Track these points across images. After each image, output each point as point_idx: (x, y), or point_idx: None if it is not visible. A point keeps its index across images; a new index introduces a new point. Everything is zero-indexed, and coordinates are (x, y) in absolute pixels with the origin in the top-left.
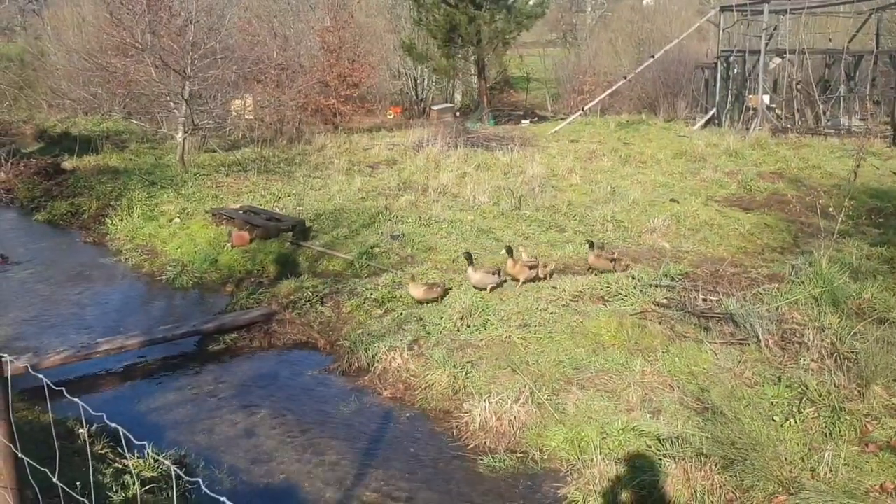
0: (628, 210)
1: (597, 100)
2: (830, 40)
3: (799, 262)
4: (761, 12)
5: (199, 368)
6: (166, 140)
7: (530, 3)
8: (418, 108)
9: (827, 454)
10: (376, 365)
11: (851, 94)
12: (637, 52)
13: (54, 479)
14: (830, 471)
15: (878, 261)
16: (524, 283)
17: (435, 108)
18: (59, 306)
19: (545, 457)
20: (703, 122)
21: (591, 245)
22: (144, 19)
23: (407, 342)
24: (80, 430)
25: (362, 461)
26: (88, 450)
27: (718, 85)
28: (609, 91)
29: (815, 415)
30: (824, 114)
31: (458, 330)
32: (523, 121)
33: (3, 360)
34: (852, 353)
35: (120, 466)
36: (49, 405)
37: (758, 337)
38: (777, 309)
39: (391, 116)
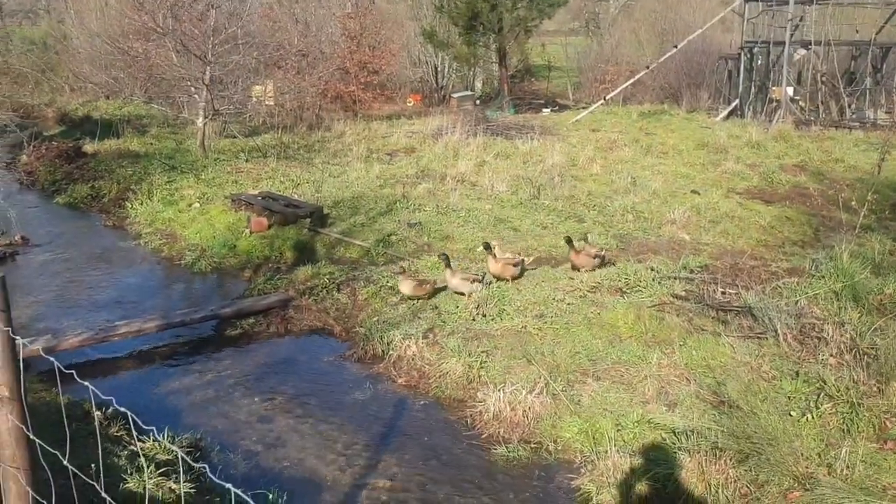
0: (648, 201)
1: (619, 89)
2: (857, 32)
3: (820, 256)
4: (787, 2)
5: (216, 353)
6: (187, 125)
7: None
8: (438, 96)
9: (844, 450)
10: (391, 352)
11: (877, 87)
12: (660, 41)
13: (65, 462)
14: (847, 467)
15: None
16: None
17: (455, 95)
18: (78, 289)
19: (559, 448)
20: (725, 113)
21: (570, 242)
22: (166, 3)
23: (422, 330)
24: (96, 413)
25: (376, 448)
26: (98, 433)
27: (742, 76)
28: (631, 81)
29: (833, 410)
30: (849, 106)
31: (474, 319)
32: (544, 109)
33: (17, 342)
34: (872, 348)
35: (135, 449)
36: (61, 388)
37: (776, 331)
38: (796, 303)
39: (411, 104)
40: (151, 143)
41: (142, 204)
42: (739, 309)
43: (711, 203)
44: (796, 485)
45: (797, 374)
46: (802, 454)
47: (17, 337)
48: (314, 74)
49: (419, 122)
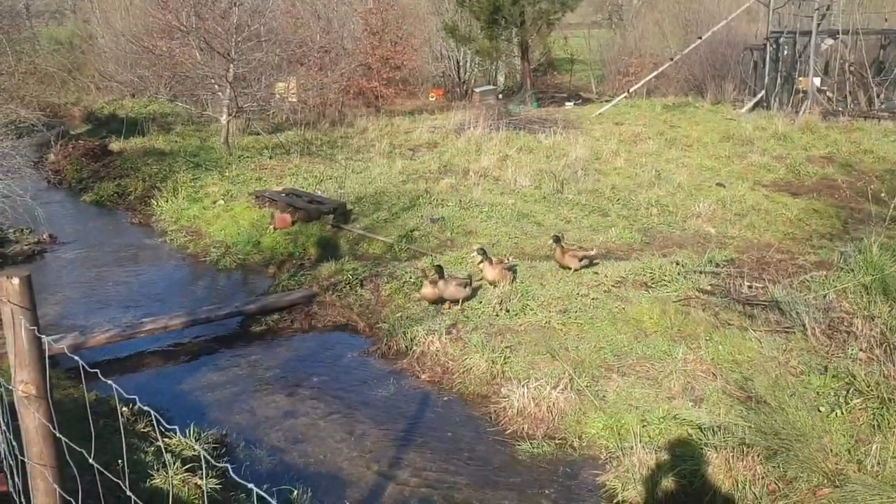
0: (673, 194)
1: (642, 82)
2: (886, 20)
3: (848, 249)
4: None
5: (241, 349)
6: (211, 122)
7: None
8: (460, 91)
9: (874, 447)
10: (415, 348)
11: None
12: (684, 33)
13: (91, 461)
14: (878, 464)
15: None
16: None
17: (477, 90)
18: (105, 286)
19: (584, 444)
20: (751, 104)
21: (558, 240)
22: (190, 2)
23: (445, 326)
24: (122, 409)
25: (400, 444)
26: (123, 430)
27: (767, 67)
28: (655, 73)
29: (863, 406)
30: (878, 96)
31: (497, 314)
32: (567, 103)
33: (43, 340)
34: None
35: (161, 445)
36: (88, 385)
37: (804, 325)
38: (825, 297)
39: (433, 99)
40: (176, 141)
41: (167, 201)
42: (766, 303)
43: (737, 196)
44: (825, 481)
45: (826, 369)
46: (831, 450)
47: (44, 336)
48: (336, 70)
49: (441, 117)
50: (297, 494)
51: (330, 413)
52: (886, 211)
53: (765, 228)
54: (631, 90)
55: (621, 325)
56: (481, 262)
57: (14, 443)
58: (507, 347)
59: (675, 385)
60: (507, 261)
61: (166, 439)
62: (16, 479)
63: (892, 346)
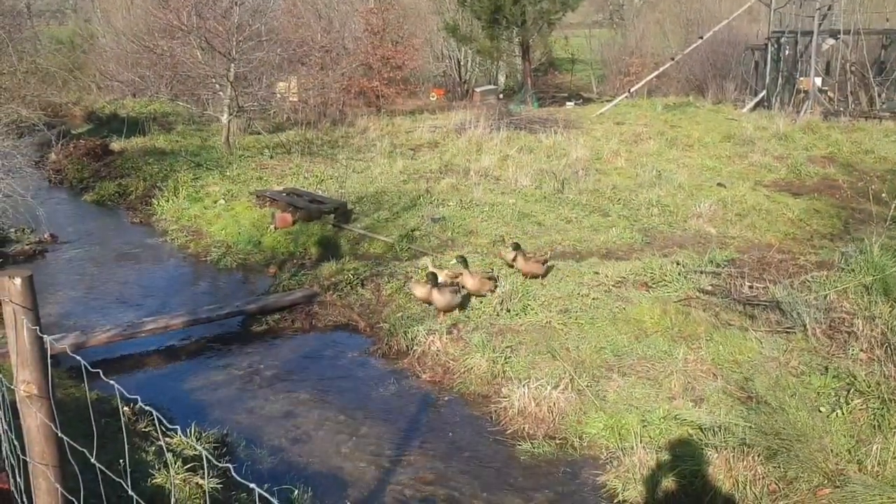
0: (674, 194)
1: (643, 81)
2: (888, 20)
3: (849, 250)
4: None
5: (241, 349)
6: (212, 122)
7: None
8: (461, 90)
9: (875, 447)
10: (415, 348)
11: None
12: (685, 32)
13: (93, 460)
14: (878, 464)
15: None
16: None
17: (478, 90)
18: (106, 285)
19: (584, 444)
20: (752, 104)
21: (518, 248)
22: (191, 1)
23: (446, 326)
24: (124, 408)
25: (401, 443)
26: (125, 430)
27: (769, 67)
28: (656, 73)
29: (864, 406)
30: (879, 96)
31: (498, 314)
32: (568, 103)
33: (44, 340)
34: None
35: (163, 445)
36: (90, 384)
37: (805, 325)
38: (825, 297)
39: (434, 98)
40: (177, 141)
41: (168, 201)
42: (767, 303)
43: (738, 196)
44: (826, 482)
45: (826, 369)
46: (832, 451)
47: (45, 336)
48: (337, 70)
49: (442, 117)
50: (298, 494)
51: (330, 413)
52: (887, 211)
53: (766, 228)
54: (632, 90)
55: (622, 325)
56: (458, 275)
57: (16, 442)
58: (507, 347)
59: (676, 385)
60: (490, 270)
61: (167, 439)
62: (17, 478)
63: (892, 347)
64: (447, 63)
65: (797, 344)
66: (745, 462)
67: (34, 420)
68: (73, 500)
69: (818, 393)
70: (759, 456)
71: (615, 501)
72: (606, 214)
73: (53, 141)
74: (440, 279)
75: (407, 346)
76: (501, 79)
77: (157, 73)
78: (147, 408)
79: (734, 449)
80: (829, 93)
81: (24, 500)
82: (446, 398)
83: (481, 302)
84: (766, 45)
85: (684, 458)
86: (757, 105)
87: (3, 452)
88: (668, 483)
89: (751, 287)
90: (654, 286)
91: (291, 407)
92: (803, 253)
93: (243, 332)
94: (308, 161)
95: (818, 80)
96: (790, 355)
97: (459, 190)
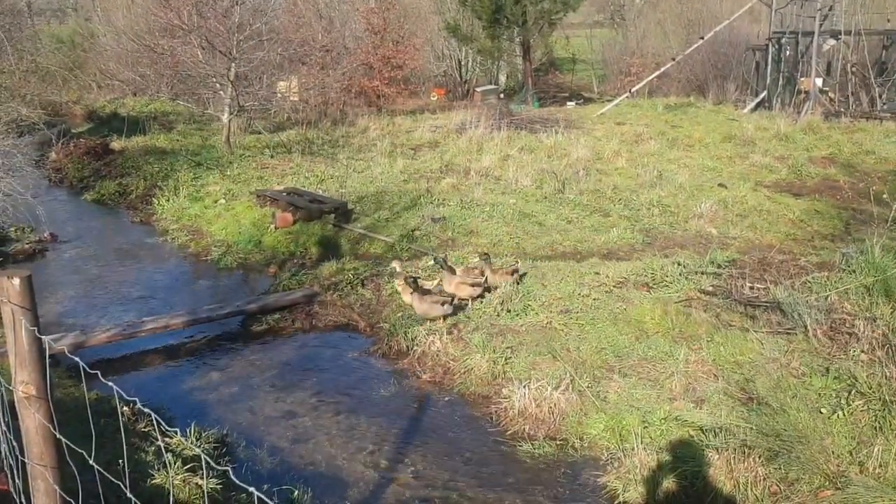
0: (675, 195)
1: (644, 82)
2: (888, 21)
3: (850, 250)
4: None
5: (242, 348)
6: (212, 121)
7: None
8: (462, 90)
9: (876, 448)
10: (415, 348)
11: None
12: (686, 33)
13: (91, 461)
14: (880, 466)
15: None
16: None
17: (479, 89)
18: (106, 285)
19: (585, 444)
20: (752, 105)
21: (488, 258)
22: (191, 0)
23: (446, 326)
24: (123, 409)
25: (401, 444)
26: (124, 431)
27: (770, 67)
28: (657, 73)
29: (865, 408)
30: (880, 97)
31: (498, 315)
32: (568, 103)
33: (43, 340)
34: None
35: (162, 445)
36: (89, 384)
37: (806, 327)
38: (826, 298)
39: (434, 98)
40: (178, 140)
41: (168, 200)
42: (768, 304)
43: (739, 196)
44: (827, 483)
45: (827, 370)
46: (833, 452)
47: (44, 337)
48: (338, 70)
49: (443, 117)
50: (298, 494)
51: (331, 413)
52: (888, 212)
53: (766, 229)
54: (633, 90)
55: (623, 326)
56: (438, 282)
57: (14, 443)
58: (508, 348)
59: (677, 386)
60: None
61: (167, 439)
62: (16, 479)
63: (893, 348)
64: (448, 63)
65: (798, 345)
66: (746, 463)
67: (33, 421)
68: (72, 501)
69: (819, 394)
70: (760, 457)
71: (616, 502)
72: (607, 215)
73: (53, 140)
74: (429, 284)
75: (407, 346)
76: (502, 79)
77: (158, 72)
78: (146, 410)
79: (735, 450)
80: (829, 93)
81: (23, 500)
82: (446, 398)
83: (481, 302)
84: (767, 45)
85: (685, 459)
86: (758, 105)
87: (2, 453)
88: (668, 484)
89: (752, 288)
90: (654, 287)
91: (291, 407)
92: (804, 254)
93: (243, 332)
94: (308, 161)
95: (819, 81)
96: (791, 356)
97: (460, 190)
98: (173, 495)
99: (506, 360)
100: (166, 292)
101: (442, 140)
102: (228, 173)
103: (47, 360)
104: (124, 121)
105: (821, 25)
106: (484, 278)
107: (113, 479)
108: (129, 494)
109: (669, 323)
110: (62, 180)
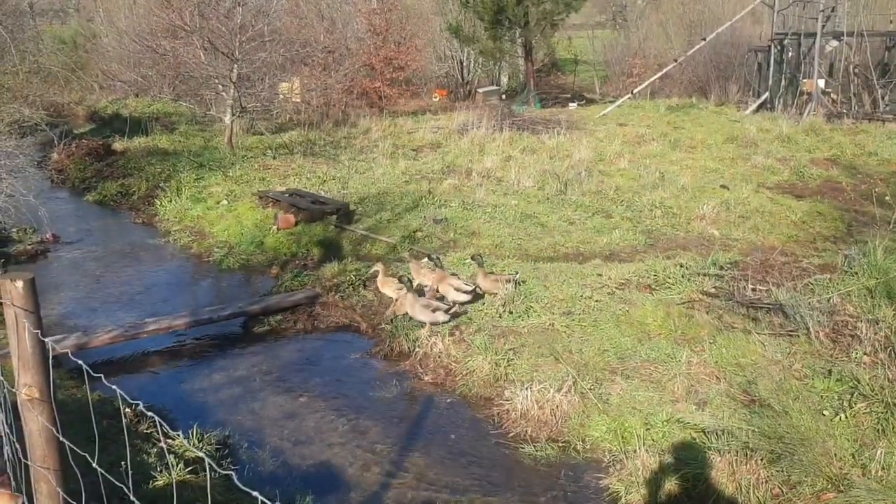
0: (677, 196)
1: (646, 83)
2: (891, 22)
3: (852, 252)
4: None
5: (244, 350)
6: (214, 122)
7: None
8: (464, 91)
9: (879, 451)
10: (417, 350)
11: None
12: (688, 34)
13: (94, 465)
14: (882, 468)
15: None
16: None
17: (481, 90)
18: (108, 286)
19: (587, 447)
20: (755, 106)
21: (481, 263)
22: (193, 1)
23: (448, 327)
24: (125, 411)
25: (403, 446)
26: (127, 435)
27: (772, 69)
28: (659, 74)
29: (867, 410)
30: (882, 98)
31: (500, 316)
32: (570, 104)
33: (46, 343)
34: None
35: (164, 447)
36: (91, 385)
37: (808, 329)
38: (829, 300)
39: (436, 99)
40: (180, 141)
41: (170, 201)
42: (770, 306)
43: (741, 198)
44: (830, 486)
45: (830, 372)
46: (836, 455)
47: (47, 339)
48: (340, 71)
49: (445, 118)
50: (300, 496)
51: (332, 415)
52: (891, 214)
53: (769, 231)
54: (635, 91)
55: (625, 328)
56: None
57: (17, 445)
58: (510, 349)
59: (679, 388)
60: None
61: (169, 441)
62: (19, 481)
63: None
64: (450, 64)
65: (800, 347)
66: (748, 466)
67: (35, 424)
68: (75, 503)
69: (822, 396)
70: (762, 460)
71: None
72: (609, 216)
73: (56, 141)
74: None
75: (409, 347)
76: (504, 79)
77: (160, 73)
78: (149, 413)
79: (737, 452)
80: (832, 95)
81: (26, 502)
82: (448, 400)
83: (483, 303)
84: (770, 46)
85: (687, 461)
86: (760, 107)
87: (5, 455)
88: (670, 486)
89: (754, 290)
90: (657, 288)
91: (293, 409)
92: (806, 255)
93: (245, 333)
94: (310, 162)
95: (821, 82)
96: (793, 358)
97: (462, 191)
98: (176, 497)
99: (508, 361)
100: (168, 293)
101: (444, 141)
102: (231, 174)
103: (51, 363)
104: (126, 122)
105: (823, 27)
106: (501, 278)
107: (116, 482)
108: (132, 497)
109: (672, 325)
110: (64, 181)
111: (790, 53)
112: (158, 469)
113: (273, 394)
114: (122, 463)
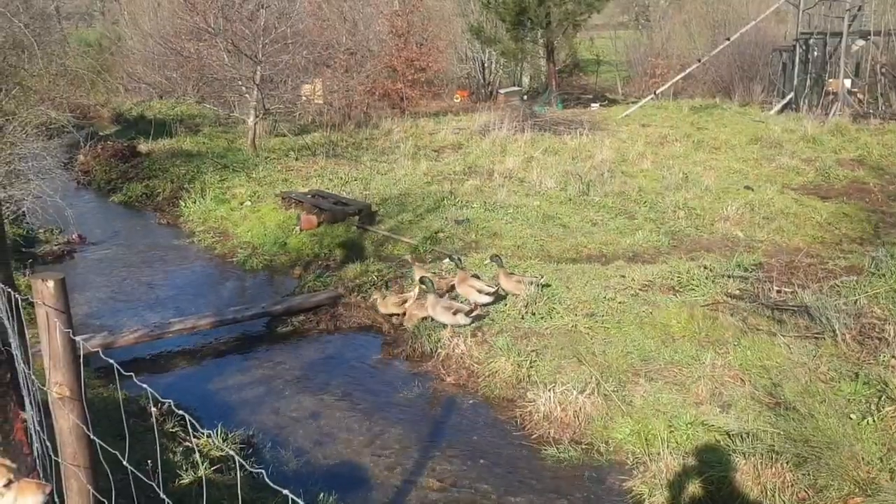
0: (701, 197)
1: (669, 83)
2: None
3: (880, 254)
4: None
5: (267, 350)
6: (238, 124)
7: None
8: (485, 92)
9: None
10: (440, 351)
11: None
12: (712, 34)
13: (124, 462)
14: None
15: None
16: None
17: (502, 91)
18: (133, 286)
19: (611, 449)
20: (779, 106)
21: (501, 263)
22: (217, 4)
23: (470, 329)
24: (152, 409)
25: (425, 446)
26: (156, 433)
27: (797, 68)
28: (682, 74)
29: (895, 414)
30: None
31: (523, 318)
32: (592, 104)
33: (77, 341)
34: None
35: (190, 445)
36: (119, 386)
37: (834, 331)
38: (855, 302)
39: (458, 100)
40: (204, 143)
41: (195, 202)
42: (796, 308)
43: (766, 199)
44: (857, 490)
45: (857, 375)
46: (863, 458)
47: (78, 338)
48: (362, 72)
49: (466, 119)
50: (323, 496)
51: (355, 415)
52: None
53: (794, 232)
54: (657, 91)
55: (648, 330)
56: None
57: (48, 443)
58: (533, 351)
59: (703, 390)
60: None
61: (195, 439)
62: (49, 478)
63: None
64: (471, 65)
65: (826, 350)
66: (773, 469)
67: (66, 422)
68: (104, 500)
69: (848, 400)
70: (787, 463)
71: None
72: (632, 217)
73: (81, 142)
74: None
75: (431, 348)
76: (526, 80)
77: (184, 75)
78: (179, 411)
79: (762, 455)
80: (858, 95)
81: (56, 499)
82: (470, 402)
83: (506, 305)
84: (794, 46)
85: (711, 464)
86: (784, 107)
87: (34, 452)
88: (694, 489)
89: (779, 291)
90: (681, 290)
91: (316, 409)
92: (832, 257)
93: (269, 334)
94: (333, 163)
95: (847, 82)
96: (819, 361)
97: (483, 192)
98: (204, 496)
99: (530, 363)
100: (193, 293)
101: (465, 142)
102: (254, 175)
103: (81, 361)
104: (151, 123)
105: (849, 26)
106: (524, 279)
107: (146, 480)
108: (161, 495)
109: (696, 327)
110: (90, 182)
111: (815, 53)
112: (184, 468)
113: (296, 394)
114: (149, 461)
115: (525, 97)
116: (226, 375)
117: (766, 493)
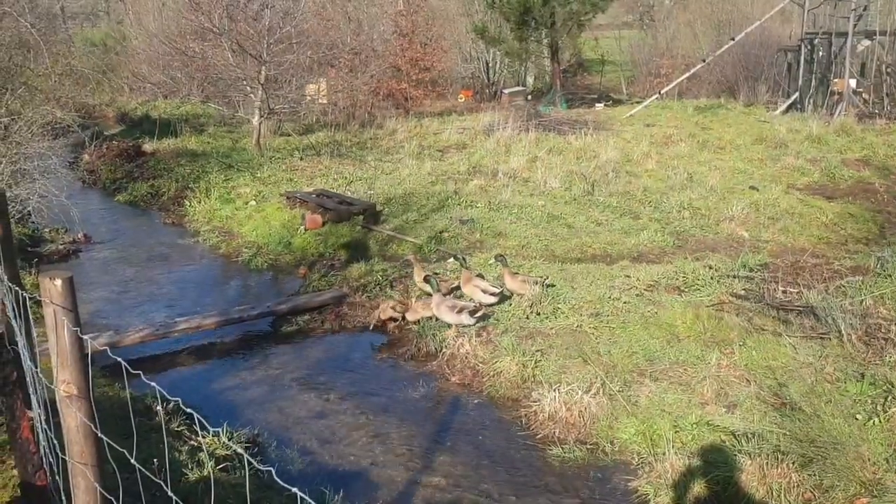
0: (706, 197)
1: (674, 83)
2: None
3: (885, 254)
4: None
5: (272, 349)
6: (243, 124)
7: None
8: (489, 92)
9: None
10: (444, 350)
11: None
12: (716, 34)
13: (132, 461)
14: None
15: None
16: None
17: (506, 91)
18: (139, 285)
19: (616, 449)
20: (784, 106)
21: (505, 262)
22: (222, 4)
23: (475, 328)
24: (158, 408)
25: (430, 446)
26: (164, 431)
27: (802, 68)
28: (687, 74)
29: None
30: None
31: (528, 317)
32: (597, 104)
33: (84, 340)
34: None
35: (196, 444)
36: (127, 384)
37: (840, 331)
38: (861, 302)
39: (462, 100)
40: (208, 142)
41: (199, 202)
42: (801, 308)
43: (771, 199)
44: (863, 491)
45: (863, 376)
46: (869, 459)
47: (86, 336)
48: (366, 72)
49: (471, 119)
50: (328, 495)
51: (360, 414)
52: None
53: (799, 232)
54: (662, 91)
55: (654, 330)
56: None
57: (55, 441)
58: (537, 351)
59: (709, 391)
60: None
61: (201, 438)
62: (56, 476)
63: None
64: (475, 65)
65: (832, 350)
66: (779, 469)
67: (74, 420)
68: (112, 498)
69: (854, 400)
70: (793, 463)
71: None
72: (637, 217)
73: (87, 142)
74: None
75: (436, 348)
76: (530, 80)
77: (189, 75)
78: (187, 409)
79: (768, 456)
80: (863, 94)
81: (63, 498)
82: (475, 401)
83: (510, 304)
84: (800, 46)
85: (717, 464)
86: (790, 107)
87: (41, 451)
88: (700, 489)
89: (784, 292)
90: (686, 290)
91: (321, 408)
92: (838, 257)
93: (274, 333)
94: (337, 163)
95: (853, 82)
96: (825, 361)
97: (488, 192)
98: (212, 495)
99: (535, 363)
100: (198, 293)
101: (469, 142)
102: (259, 175)
103: (89, 360)
104: (156, 123)
105: (855, 26)
106: (529, 279)
107: (153, 478)
108: (169, 493)
109: (701, 327)
110: (95, 182)
111: (821, 53)
112: (190, 466)
113: (301, 393)
114: (155, 459)
115: (529, 97)
116: (230, 374)
117: (772, 493)
